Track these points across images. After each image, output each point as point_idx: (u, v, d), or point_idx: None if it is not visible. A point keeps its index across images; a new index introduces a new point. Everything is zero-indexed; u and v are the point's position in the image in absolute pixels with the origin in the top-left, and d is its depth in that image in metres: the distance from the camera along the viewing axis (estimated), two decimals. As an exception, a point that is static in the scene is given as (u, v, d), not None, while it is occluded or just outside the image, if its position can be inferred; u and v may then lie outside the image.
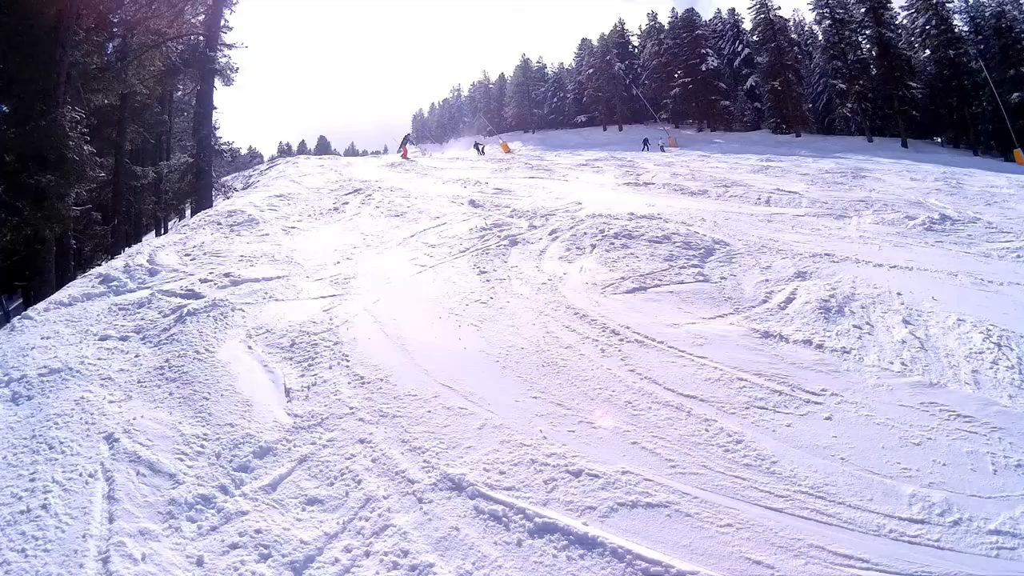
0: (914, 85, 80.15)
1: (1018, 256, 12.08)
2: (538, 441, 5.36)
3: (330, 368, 7.18)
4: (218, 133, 47.77)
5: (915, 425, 5.73)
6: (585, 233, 11.46)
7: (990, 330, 7.91)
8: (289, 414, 6.36)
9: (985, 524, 4.52)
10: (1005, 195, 23.06)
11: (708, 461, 5.04)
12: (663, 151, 57.50)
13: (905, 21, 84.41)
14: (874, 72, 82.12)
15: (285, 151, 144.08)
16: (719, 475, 4.89)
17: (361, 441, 5.75)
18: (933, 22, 79.74)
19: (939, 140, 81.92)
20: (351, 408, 6.30)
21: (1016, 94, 71.87)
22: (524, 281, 9.41)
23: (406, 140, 44.25)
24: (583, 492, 4.71)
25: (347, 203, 17.33)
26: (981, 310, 8.73)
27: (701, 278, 9.36)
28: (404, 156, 40.30)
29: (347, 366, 7.18)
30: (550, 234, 11.66)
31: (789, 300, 8.60)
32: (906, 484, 4.91)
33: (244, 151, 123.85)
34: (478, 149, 54.98)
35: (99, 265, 12.77)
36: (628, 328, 7.49)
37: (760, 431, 5.46)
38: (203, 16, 32.71)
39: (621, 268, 9.69)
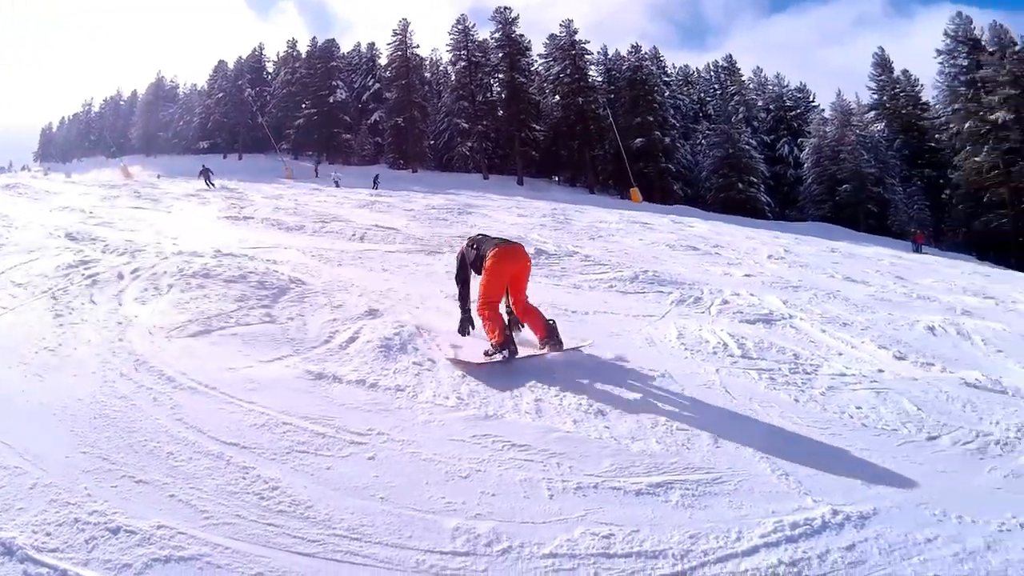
0: (538, 128, 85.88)
1: (610, 286, 12.95)
2: (82, 499, 5.09)
3: None
4: None
5: (464, 458, 5.78)
6: (166, 272, 11.12)
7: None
8: None
9: (539, 549, 4.56)
10: (613, 230, 24.86)
11: (242, 510, 4.93)
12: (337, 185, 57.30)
13: (541, 69, 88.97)
14: (501, 114, 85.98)
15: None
16: (252, 523, 4.79)
17: (-78, 509, 5.31)
18: (568, 71, 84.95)
19: (556, 179, 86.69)
20: (-94, 474, 5.81)
21: (639, 139, 78.02)
22: (96, 326, 8.92)
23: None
24: (120, 550, 4.51)
25: (-56, 232, 15.83)
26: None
27: (268, 319, 9.25)
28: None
29: (-96, 425, 6.62)
30: (132, 273, 11.17)
31: (352, 339, 8.61)
32: (450, 518, 4.90)
33: None
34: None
35: None
36: (184, 374, 7.25)
37: (298, 475, 5.40)
38: None
39: (191, 310, 9.41)
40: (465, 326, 8.63)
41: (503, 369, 7.77)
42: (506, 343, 7.91)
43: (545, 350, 8.43)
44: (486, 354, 8.06)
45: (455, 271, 8.89)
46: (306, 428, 6.10)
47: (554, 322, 8.48)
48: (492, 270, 8.25)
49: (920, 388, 8.56)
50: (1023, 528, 5.20)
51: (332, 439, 5.95)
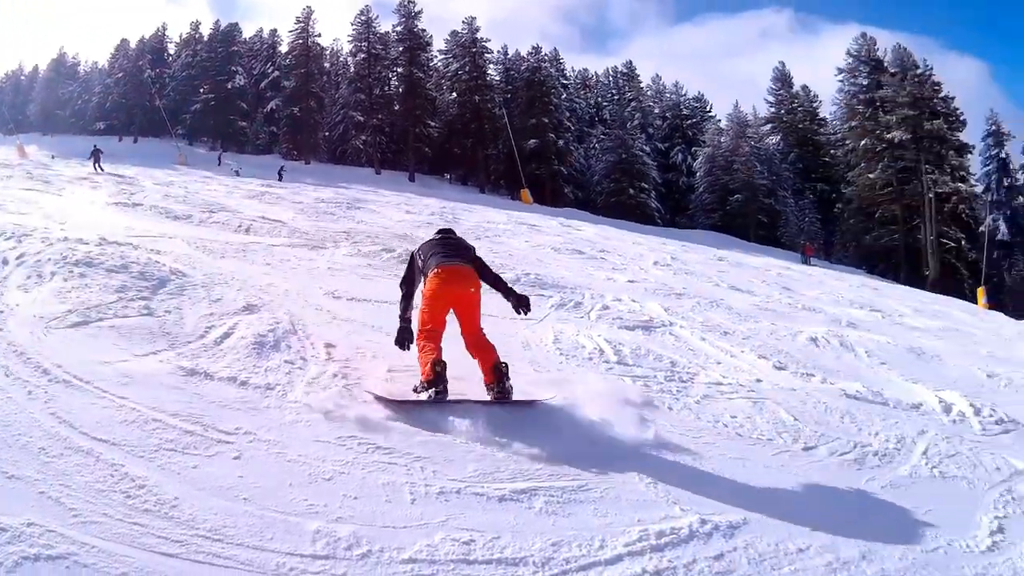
0: (433, 124, 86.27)
1: (489, 288, 12.85)
2: (-45, 495, 4.97)
3: None
4: None
5: (329, 460, 5.69)
6: (50, 259, 10.78)
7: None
8: None
9: (399, 554, 4.49)
10: (500, 230, 25.08)
11: (109, 508, 4.78)
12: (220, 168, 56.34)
13: (440, 65, 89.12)
14: (397, 108, 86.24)
15: None
16: (118, 522, 4.64)
17: None
18: (467, 68, 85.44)
19: (448, 177, 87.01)
20: None
21: (533, 141, 78.94)
22: (-23, 317, 8.73)
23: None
24: (-8, 548, 4.45)
25: None
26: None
27: (146, 311, 8.99)
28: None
29: None
30: (17, 259, 10.85)
31: (227, 335, 8.43)
32: (311, 520, 4.82)
33: None
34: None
35: None
36: (60, 367, 7.02)
37: (165, 474, 5.27)
38: None
39: (72, 300, 9.12)
40: (402, 338, 7.51)
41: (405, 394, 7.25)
42: (435, 381, 6.77)
43: (489, 397, 7.10)
44: (414, 391, 7.13)
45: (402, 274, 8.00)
46: (175, 426, 5.97)
47: (506, 365, 7.14)
48: (431, 294, 7.31)
49: (798, 398, 8.75)
50: (900, 538, 5.37)
51: (200, 437, 5.83)
